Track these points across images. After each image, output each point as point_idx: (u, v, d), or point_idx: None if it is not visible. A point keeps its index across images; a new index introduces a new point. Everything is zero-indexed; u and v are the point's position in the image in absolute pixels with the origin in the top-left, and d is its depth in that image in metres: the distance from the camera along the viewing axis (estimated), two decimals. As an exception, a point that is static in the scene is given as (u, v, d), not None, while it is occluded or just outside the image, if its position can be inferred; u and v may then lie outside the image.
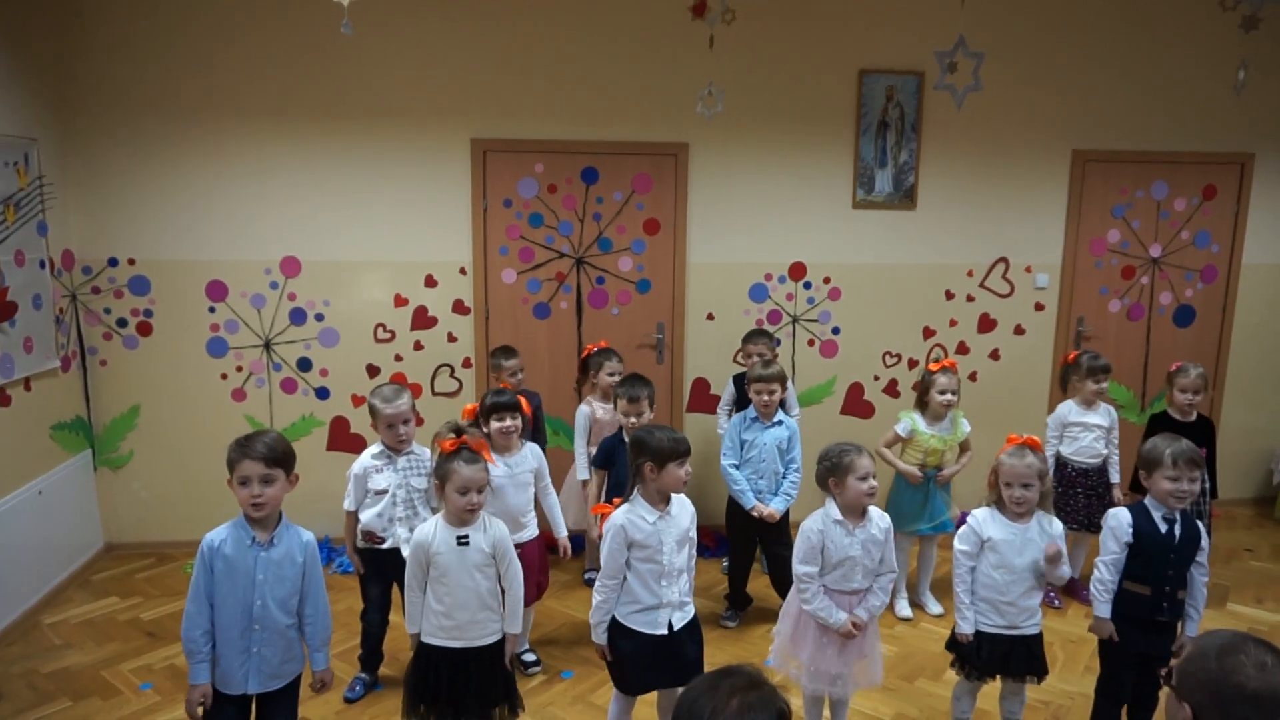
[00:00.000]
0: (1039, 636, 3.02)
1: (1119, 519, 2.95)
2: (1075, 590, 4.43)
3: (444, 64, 4.68)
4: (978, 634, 3.01)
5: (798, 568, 2.98)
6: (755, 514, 3.93)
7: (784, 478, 4.00)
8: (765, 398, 3.96)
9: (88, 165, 4.54)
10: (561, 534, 3.67)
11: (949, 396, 4.08)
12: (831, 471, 2.97)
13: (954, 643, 3.09)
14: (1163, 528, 2.92)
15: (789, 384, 4.64)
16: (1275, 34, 5.03)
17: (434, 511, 2.82)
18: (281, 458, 2.54)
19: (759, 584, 4.32)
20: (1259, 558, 5.02)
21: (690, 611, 2.89)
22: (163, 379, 4.75)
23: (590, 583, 4.42)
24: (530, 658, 3.74)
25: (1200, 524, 3.01)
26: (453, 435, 2.76)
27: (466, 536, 2.72)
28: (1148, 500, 2.98)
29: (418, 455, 3.47)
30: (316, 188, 4.71)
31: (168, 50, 4.50)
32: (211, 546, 2.51)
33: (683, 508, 2.90)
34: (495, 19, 4.67)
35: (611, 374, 4.28)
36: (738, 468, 4.01)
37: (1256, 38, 4.04)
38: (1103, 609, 2.96)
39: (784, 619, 3.11)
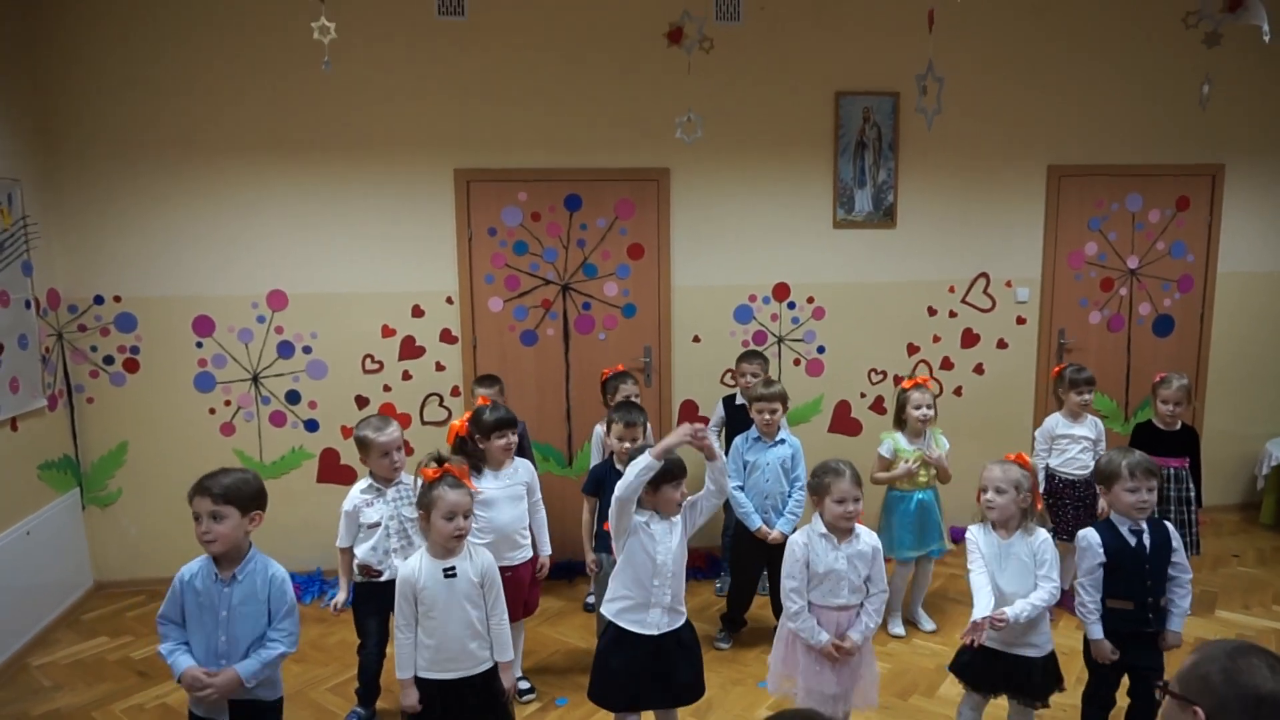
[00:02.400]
0: (1041, 662, 2.96)
1: (1089, 540, 2.96)
2: (1064, 601, 4.44)
3: (426, 96, 4.73)
4: (980, 646, 3.02)
5: (783, 581, 3.01)
6: (760, 536, 3.94)
7: (789, 496, 4.02)
8: (767, 416, 4.00)
9: (71, 204, 4.56)
10: (545, 551, 3.68)
11: (924, 411, 4.12)
12: (815, 489, 3.04)
13: (955, 661, 3.11)
14: (1132, 540, 2.95)
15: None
16: (1240, 49, 5.14)
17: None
18: (233, 496, 2.52)
19: (755, 604, 4.32)
20: (1245, 563, 5.06)
21: (681, 619, 2.89)
22: (150, 415, 4.74)
23: (590, 608, 4.42)
24: (524, 685, 3.73)
25: (1168, 525, 3.04)
26: (435, 464, 2.77)
27: (453, 568, 2.72)
28: (1113, 516, 3.00)
29: (406, 485, 3.47)
30: (301, 221, 4.74)
31: (150, 88, 4.54)
32: (183, 580, 2.58)
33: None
34: (475, 51, 4.73)
35: (626, 396, 4.31)
36: (742, 489, 4.03)
37: (1221, 52, 4.12)
38: (1096, 630, 2.95)
39: (778, 642, 3.12)
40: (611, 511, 2.76)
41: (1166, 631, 3.00)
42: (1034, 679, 2.96)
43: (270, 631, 2.59)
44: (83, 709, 3.68)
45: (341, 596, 3.45)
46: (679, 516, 2.91)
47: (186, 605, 2.56)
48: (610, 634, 2.88)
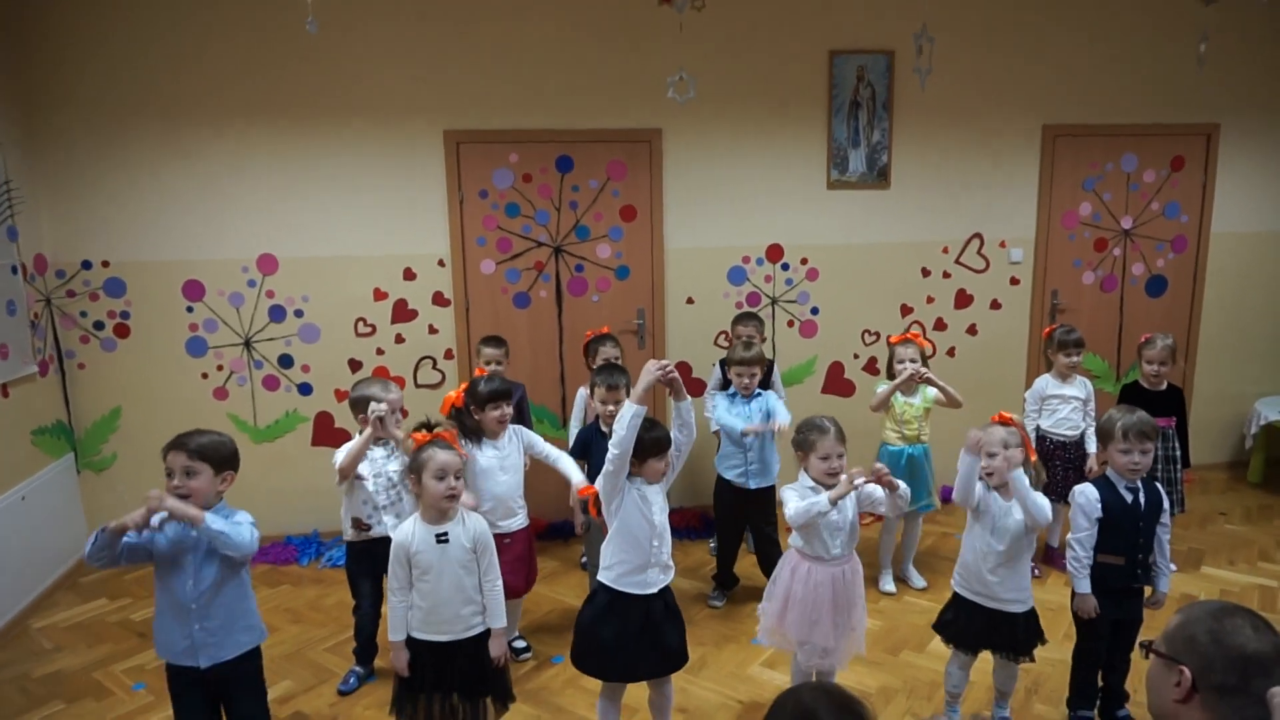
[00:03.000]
0: (1025, 616, 3.04)
1: (1086, 496, 3.00)
2: (1054, 559, 4.52)
3: (414, 57, 4.66)
4: (959, 600, 3.08)
5: (795, 506, 2.95)
6: (748, 432, 3.94)
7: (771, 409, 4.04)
8: (745, 380, 4.02)
9: (57, 168, 4.50)
10: (577, 478, 3.56)
11: (905, 365, 4.17)
12: (800, 446, 3.08)
13: (937, 620, 3.18)
14: (1128, 498, 2.99)
15: (775, 369, 4.69)
16: (1237, 6, 5.10)
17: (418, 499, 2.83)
18: (208, 453, 2.55)
19: (745, 563, 4.38)
20: (1232, 521, 5.13)
21: (671, 573, 2.92)
22: (143, 381, 4.74)
23: (585, 566, 4.46)
24: (520, 644, 3.78)
25: (1159, 486, 3.08)
26: (424, 430, 2.78)
27: (446, 534, 2.74)
28: (1109, 473, 3.04)
29: (391, 446, 3.50)
30: (291, 185, 4.69)
31: (135, 52, 4.45)
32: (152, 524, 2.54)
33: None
34: (464, 11, 4.65)
35: (606, 359, 4.32)
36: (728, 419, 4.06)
37: (1218, 9, 4.10)
38: (1083, 585, 3.00)
39: (769, 598, 3.16)
40: (607, 469, 2.76)
41: (1157, 592, 3.06)
42: (1018, 633, 3.02)
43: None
44: (84, 670, 3.73)
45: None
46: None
47: (156, 550, 2.54)
48: (600, 601, 2.87)
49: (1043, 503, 2.93)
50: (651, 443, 2.79)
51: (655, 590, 2.85)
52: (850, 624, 3.05)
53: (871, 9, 4.97)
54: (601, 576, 2.91)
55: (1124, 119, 5.36)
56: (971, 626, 3.06)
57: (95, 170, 4.54)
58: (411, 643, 2.76)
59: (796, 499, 3.00)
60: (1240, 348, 5.81)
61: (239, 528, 2.54)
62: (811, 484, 3.05)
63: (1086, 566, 3.00)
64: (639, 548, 2.82)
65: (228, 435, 2.67)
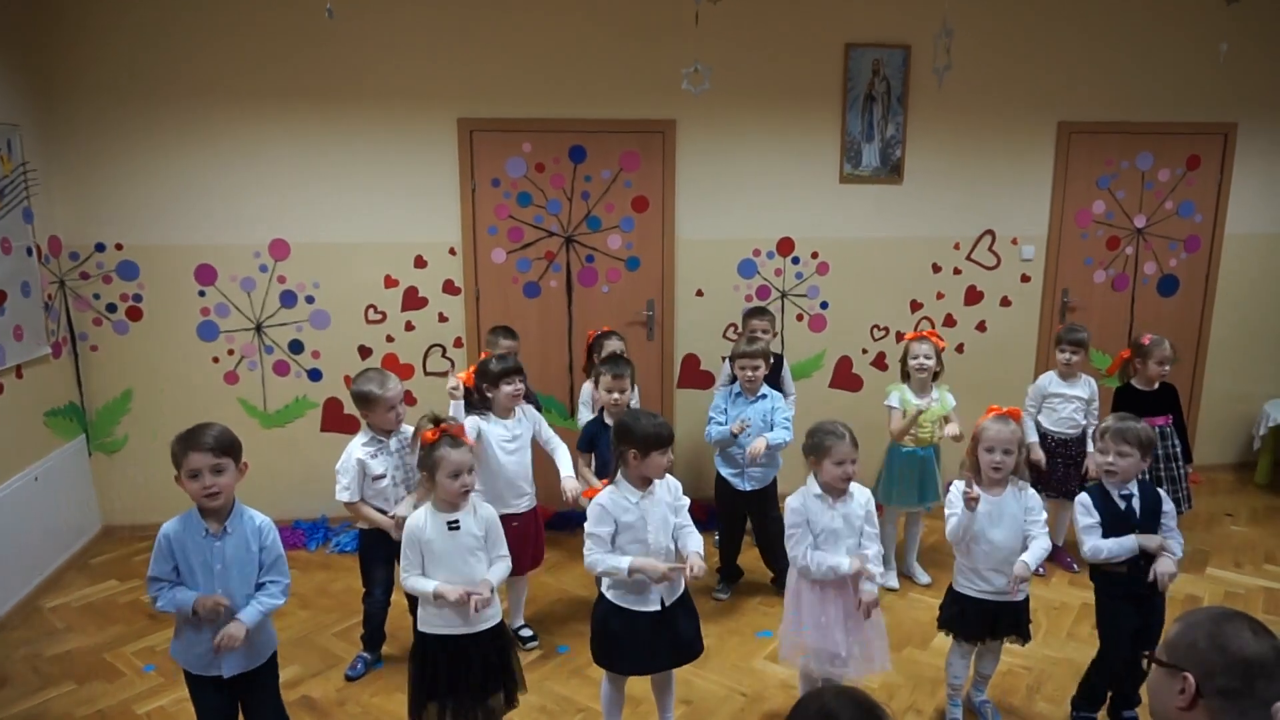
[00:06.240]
0: (1025, 603, 3.10)
1: (1081, 502, 3.04)
2: (1059, 557, 4.53)
3: (429, 45, 4.65)
4: (964, 599, 3.09)
5: (790, 548, 3.02)
6: (752, 454, 3.90)
7: (773, 420, 4.02)
8: (749, 373, 4.02)
9: (72, 151, 4.51)
10: (566, 471, 3.67)
11: (920, 361, 4.14)
12: (813, 450, 3.03)
13: (944, 615, 3.19)
14: (1120, 504, 3.00)
15: (784, 364, 4.69)
16: (1257, 5, 5.06)
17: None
18: (229, 446, 2.55)
19: (749, 555, 4.39)
20: (1239, 523, 5.12)
21: (680, 586, 2.91)
22: (154, 363, 4.76)
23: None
24: (527, 633, 3.81)
25: (1160, 492, 3.09)
26: (431, 425, 2.78)
27: (457, 521, 2.75)
28: (1104, 478, 3.06)
29: (404, 434, 3.51)
30: (304, 170, 4.70)
31: (151, 35, 4.45)
32: (169, 538, 2.55)
33: (665, 487, 2.90)
34: (479, -4, 4.64)
35: (612, 352, 4.32)
36: (724, 423, 4.04)
37: (1239, 8, 4.06)
38: (1115, 547, 2.93)
39: (788, 606, 3.12)
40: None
41: (1156, 570, 2.93)
42: (1021, 618, 3.11)
43: (267, 583, 2.61)
44: (94, 650, 3.76)
45: (392, 523, 3.36)
46: (666, 481, 2.90)
47: (180, 563, 2.54)
48: (606, 604, 2.88)
49: (1045, 549, 3.04)
50: (654, 438, 2.76)
51: (660, 608, 2.83)
52: (861, 633, 3.02)
53: (889, 3, 4.93)
54: (606, 592, 2.89)
55: (1140, 116, 5.32)
56: (980, 618, 3.08)
57: (110, 153, 4.54)
58: (426, 640, 2.77)
59: (798, 515, 2.99)
60: (1250, 349, 5.78)
61: (274, 602, 2.61)
62: (819, 492, 3.02)
63: (1099, 549, 2.95)
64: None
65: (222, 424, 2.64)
